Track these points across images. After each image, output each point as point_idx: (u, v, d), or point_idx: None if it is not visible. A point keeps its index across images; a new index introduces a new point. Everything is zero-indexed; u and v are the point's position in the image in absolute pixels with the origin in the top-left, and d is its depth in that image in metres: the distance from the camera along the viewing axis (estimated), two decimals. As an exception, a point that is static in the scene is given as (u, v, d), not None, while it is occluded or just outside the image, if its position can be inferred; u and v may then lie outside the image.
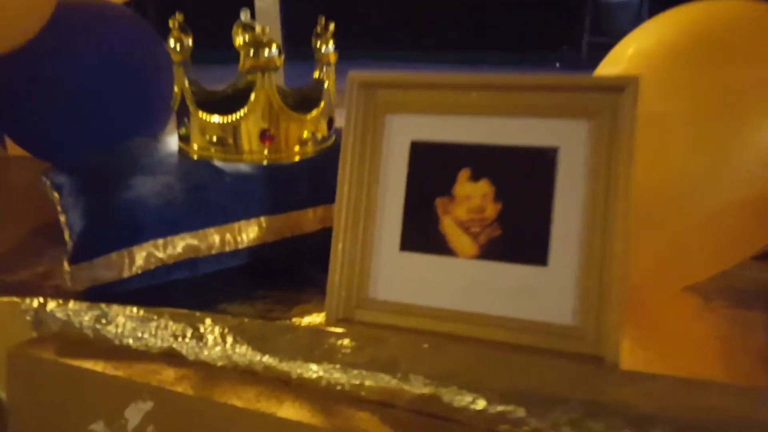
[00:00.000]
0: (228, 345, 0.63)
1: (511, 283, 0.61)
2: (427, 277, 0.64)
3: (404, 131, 0.66)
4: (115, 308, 0.68)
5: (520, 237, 0.62)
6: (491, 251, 0.62)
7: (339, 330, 0.62)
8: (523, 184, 0.62)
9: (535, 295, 0.60)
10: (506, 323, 0.61)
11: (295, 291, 0.76)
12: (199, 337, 0.65)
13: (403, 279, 0.65)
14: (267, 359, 0.62)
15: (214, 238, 0.76)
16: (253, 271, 0.78)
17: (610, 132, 0.59)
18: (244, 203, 0.78)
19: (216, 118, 0.79)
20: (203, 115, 0.80)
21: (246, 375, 0.62)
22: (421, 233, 0.65)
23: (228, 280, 0.77)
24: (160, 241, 0.73)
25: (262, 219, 0.79)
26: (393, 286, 0.65)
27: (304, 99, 0.86)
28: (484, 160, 0.63)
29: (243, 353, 0.62)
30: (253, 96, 0.78)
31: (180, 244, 0.74)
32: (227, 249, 0.77)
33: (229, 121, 0.79)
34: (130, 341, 0.67)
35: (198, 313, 0.65)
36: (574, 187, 0.60)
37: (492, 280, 0.62)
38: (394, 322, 0.64)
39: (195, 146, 0.82)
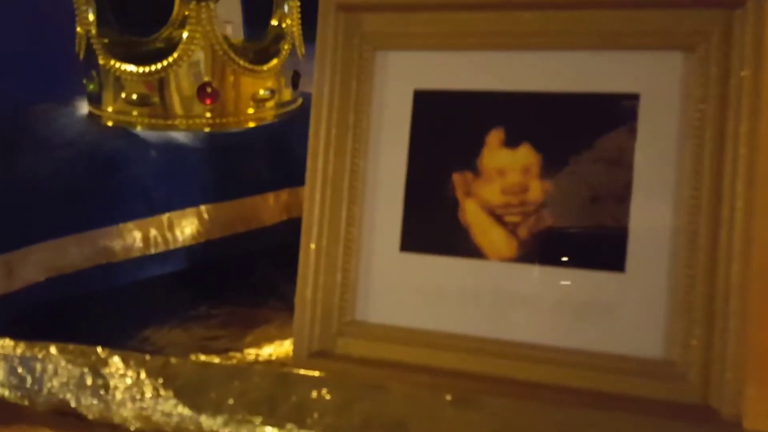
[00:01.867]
0: (147, 398, 0.42)
1: (570, 298, 0.41)
2: (441, 291, 0.44)
3: (404, 75, 0.45)
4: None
5: (582, 231, 0.41)
6: (537, 251, 0.42)
7: (313, 373, 0.41)
8: (585, 150, 0.42)
9: (607, 315, 0.40)
10: (564, 358, 0.40)
11: (250, 307, 0.55)
12: (103, 386, 0.43)
13: (405, 293, 0.44)
14: (205, 421, 0.41)
15: (134, 237, 0.54)
16: (191, 280, 0.57)
17: (720, 70, 0.39)
18: (176, 187, 0.57)
19: (132, 67, 0.57)
20: (116, 63, 0.57)
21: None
22: (432, 226, 0.44)
23: (154, 294, 0.55)
24: (53, 244, 0.51)
25: (203, 208, 0.57)
26: (391, 304, 0.44)
27: (261, 53, 0.64)
28: (525, 116, 0.43)
29: (168, 411, 0.41)
30: (185, 34, 0.56)
31: (83, 247, 0.52)
32: (153, 251, 0.55)
33: (154, 70, 0.57)
34: (4, 392, 0.46)
35: (101, 350, 0.44)
36: (665, 154, 0.40)
37: (539, 295, 0.42)
38: (395, 357, 0.43)
39: (109, 108, 0.60)
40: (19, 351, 0.45)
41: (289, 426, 0.39)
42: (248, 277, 0.58)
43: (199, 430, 0.41)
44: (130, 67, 0.57)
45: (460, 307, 0.43)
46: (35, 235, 0.51)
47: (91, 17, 0.58)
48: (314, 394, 0.40)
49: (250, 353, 0.48)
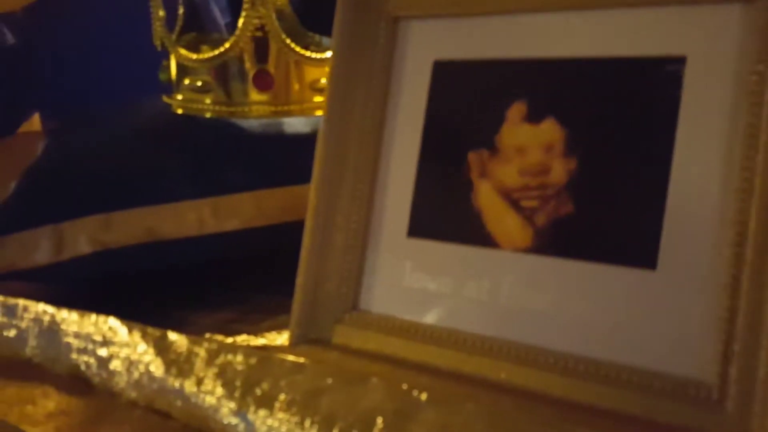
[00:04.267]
0: (140, 369, 0.42)
1: (588, 297, 0.35)
2: (448, 282, 0.39)
3: (425, 45, 0.41)
4: (22, 304, 0.48)
5: (608, 218, 0.35)
6: (555, 241, 0.36)
7: (297, 359, 0.38)
8: (617, 125, 0.35)
9: (631, 320, 0.33)
10: (575, 368, 0.34)
11: (284, 296, 0.53)
12: (108, 355, 0.43)
13: (410, 283, 0.40)
14: (190, 392, 0.39)
15: (185, 218, 0.55)
16: (234, 265, 0.56)
17: (787, 22, 0.31)
18: (232, 171, 0.57)
19: (193, 55, 0.58)
20: (181, 51, 0.59)
21: (155, 420, 0.40)
22: (443, 210, 0.40)
23: (197, 276, 0.55)
24: (102, 218, 0.53)
25: (257, 194, 0.57)
26: (395, 294, 0.40)
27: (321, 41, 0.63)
28: (550, 87, 0.37)
29: (147, 383, 0.40)
30: (241, 21, 0.57)
31: (130, 223, 0.54)
32: (202, 233, 0.55)
33: (211, 57, 0.57)
34: (32, 352, 0.47)
35: (108, 318, 0.44)
36: (713, 129, 0.33)
37: (554, 292, 0.35)
38: (394, 352, 0.39)
39: (179, 97, 0.62)
40: (47, 317, 0.47)
41: (252, 408, 0.36)
42: (292, 267, 0.56)
43: (178, 407, 0.39)
44: (192, 55, 0.58)
45: (468, 302, 0.38)
46: (84, 208, 0.53)
47: (162, 13, 0.60)
48: (288, 380, 0.37)
49: (262, 338, 0.46)
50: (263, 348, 0.43)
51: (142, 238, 0.54)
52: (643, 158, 0.34)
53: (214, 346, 0.40)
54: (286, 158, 0.59)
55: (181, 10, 0.65)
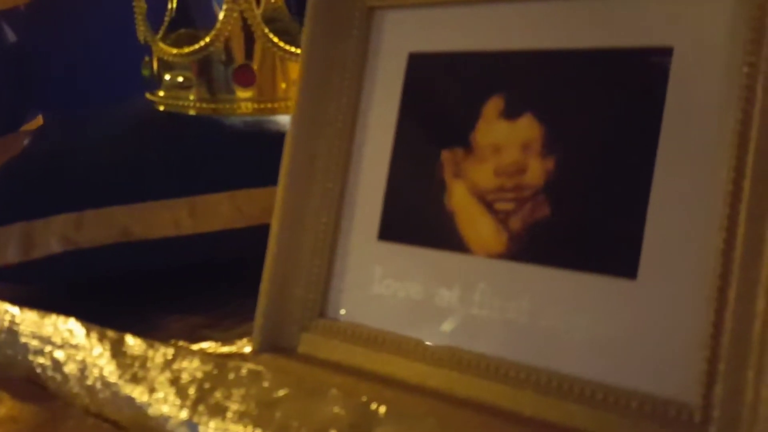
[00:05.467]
0: (94, 373, 0.39)
1: (564, 308, 0.32)
2: (419, 290, 0.36)
3: (398, 37, 0.39)
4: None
5: (586, 223, 0.32)
6: (532, 247, 0.33)
7: (256, 368, 0.35)
8: (598, 122, 0.33)
9: (614, 335, 0.31)
10: (557, 386, 0.31)
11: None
12: (63, 359, 0.41)
13: (382, 289, 0.37)
14: (135, 394, 0.37)
15: (160, 218, 0.53)
16: (210, 268, 0.54)
17: (783, 10, 0.28)
18: (211, 170, 0.55)
19: (174, 49, 0.56)
20: (162, 46, 0.57)
21: (107, 428, 0.38)
22: (415, 211, 0.37)
23: (171, 277, 0.53)
24: (74, 216, 0.51)
25: (236, 194, 0.55)
26: (364, 301, 0.38)
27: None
28: (529, 80, 0.35)
29: (101, 389, 0.38)
30: (221, 14, 0.55)
31: (105, 222, 0.52)
32: (178, 234, 0.53)
33: (191, 51, 0.56)
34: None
35: (68, 320, 0.42)
36: (701, 127, 0.30)
37: (528, 301, 0.33)
38: (361, 364, 0.36)
39: (161, 93, 0.60)
40: (7, 317, 0.45)
41: (204, 419, 0.34)
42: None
43: (130, 413, 0.37)
44: (172, 50, 0.57)
45: (438, 312, 0.35)
46: (56, 205, 0.51)
47: (143, 5, 0.58)
48: (242, 390, 0.34)
49: (230, 345, 0.44)
50: (225, 356, 0.41)
51: (116, 238, 0.52)
52: (625, 158, 0.31)
53: (171, 351, 0.38)
54: (267, 157, 0.57)
55: (170, 5, 0.63)
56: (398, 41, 0.39)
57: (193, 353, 0.37)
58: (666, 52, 0.31)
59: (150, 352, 0.38)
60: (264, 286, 0.39)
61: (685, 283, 0.29)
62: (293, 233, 0.39)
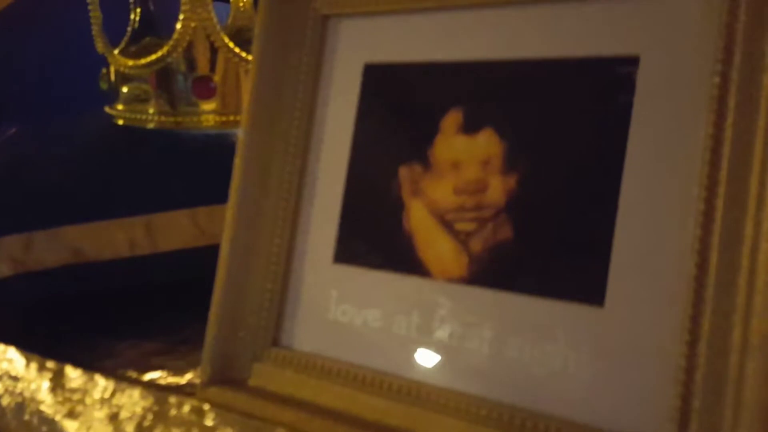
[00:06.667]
0: (32, 407, 0.37)
1: (531, 338, 0.29)
2: (378, 316, 0.34)
3: (354, 47, 0.37)
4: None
5: (550, 245, 0.30)
6: (493, 271, 0.31)
7: (200, 404, 0.33)
8: (561, 137, 0.30)
9: (580, 367, 0.28)
10: (520, 423, 0.29)
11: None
12: (1, 391, 0.39)
13: (338, 315, 0.35)
14: (68, 425, 0.34)
15: (114, 238, 0.50)
16: (169, 290, 0.52)
17: (751, 18, 0.26)
18: (166, 186, 0.52)
19: (130, 61, 0.54)
20: (119, 58, 0.55)
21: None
22: (372, 232, 0.35)
23: (125, 302, 0.51)
24: (23, 237, 0.49)
25: (196, 212, 0.52)
26: (319, 329, 0.35)
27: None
28: (489, 92, 0.32)
29: (37, 426, 0.35)
30: (178, 24, 0.52)
31: (55, 243, 0.49)
32: (134, 254, 0.51)
33: (148, 63, 0.53)
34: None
35: (7, 349, 0.39)
36: (670, 142, 0.28)
37: (489, 330, 0.30)
38: (314, 398, 0.34)
39: (119, 107, 0.58)
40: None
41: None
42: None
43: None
44: (129, 61, 0.54)
45: (396, 340, 0.33)
46: (6, 226, 0.48)
47: (98, 14, 0.56)
48: (183, 428, 0.32)
49: (183, 374, 0.41)
50: (172, 388, 0.39)
51: (67, 260, 0.49)
52: (591, 175, 0.29)
53: (111, 385, 0.35)
54: (230, 173, 0.54)
55: (133, 15, 0.61)
56: (353, 51, 0.36)
57: (134, 387, 0.35)
58: (632, 62, 0.29)
59: (90, 385, 0.36)
60: (213, 312, 0.36)
61: (656, 312, 0.27)
62: (244, 255, 0.37)
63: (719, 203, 0.26)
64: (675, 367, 0.26)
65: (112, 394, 0.35)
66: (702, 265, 0.26)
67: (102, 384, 0.35)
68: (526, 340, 0.30)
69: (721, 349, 0.25)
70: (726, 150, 0.26)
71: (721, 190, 0.26)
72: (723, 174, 0.26)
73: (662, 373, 0.26)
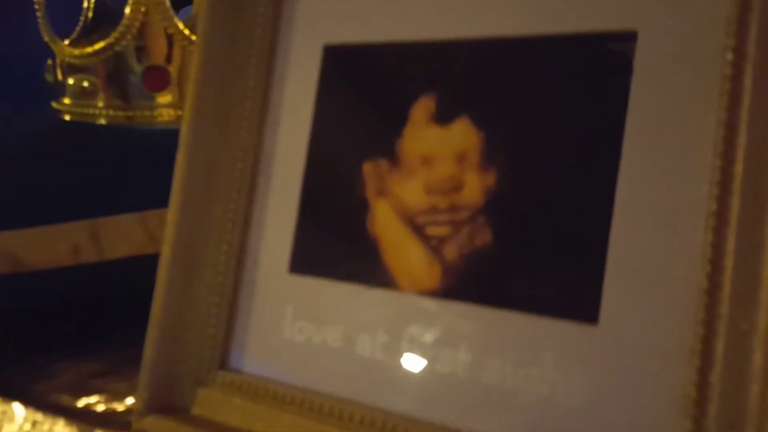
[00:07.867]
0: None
1: (515, 360, 0.25)
2: (339, 334, 0.29)
3: (312, 26, 0.32)
4: None
5: (536, 252, 0.26)
6: (471, 282, 0.27)
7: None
8: (547, 126, 0.26)
9: (571, 393, 0.24)
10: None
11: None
12: None
13: (294, 333, 0.31)
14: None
15: (53, 244, 0.45)
16: (117, 302, 0.47)
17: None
18: (113, 188, 0.48)
19: (76, 50, 0.49)
20: (64, 46, 0.50)
21: None
22: (333, 238, 0.31)
23: (67, 315, 0.46)
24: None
25: (146, 216, 0.48)
26: (274, 349, 0.31)
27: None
28: (464, 76, 0.28)
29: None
30: (127, 9, 0.48)
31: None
32: (77, 262, 0.46)
33: (94, 51, 0.48)
34: None
35: None
36: (672, 130, 0.24)
37: (467, 350, 0.26)
38: (268, 429, 0.30)
39: (66, 101, 0.53)
40: None
41: None
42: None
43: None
44: (75, 50, 0.49)
45: (360, 363, 0.29)
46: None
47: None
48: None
49: (122, 399, 0.37)
50: (107, 416, 0.34)
51: (3, 269, 0.44)
52: (582, 171, 0.25)
53: (33, 416, 0.31)
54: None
55: (86, 3, 0.56)
56: (311, 32, 0.32)
57: (58, 417, 0.30)
58: (628, 38, 0.25)
59: (9, 414, 0.31)
60: (151, 331, 0.32)
61: (660, 331, 0.23)
62: (187, 264, 0.32)
63: (734, 202, 0.22)
64: (683, 398, 0.22)
65: (33, 426, 0.30)
66: (714, 277, 0.22)
67: (24, 414, 0.31)
68: (508, 362, 0.25)
69: (739, 377, 0.21)
70: (742, 139, 0.22)
71: (737, 186, 0.22)
72: (738, 167, 0.22)
73: (668, 404, 0.22)
